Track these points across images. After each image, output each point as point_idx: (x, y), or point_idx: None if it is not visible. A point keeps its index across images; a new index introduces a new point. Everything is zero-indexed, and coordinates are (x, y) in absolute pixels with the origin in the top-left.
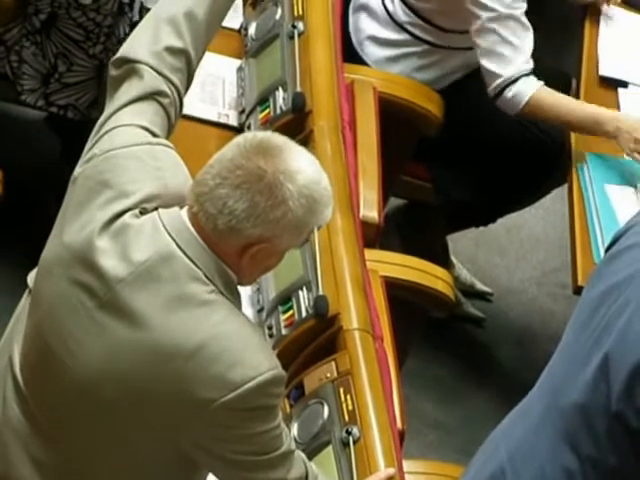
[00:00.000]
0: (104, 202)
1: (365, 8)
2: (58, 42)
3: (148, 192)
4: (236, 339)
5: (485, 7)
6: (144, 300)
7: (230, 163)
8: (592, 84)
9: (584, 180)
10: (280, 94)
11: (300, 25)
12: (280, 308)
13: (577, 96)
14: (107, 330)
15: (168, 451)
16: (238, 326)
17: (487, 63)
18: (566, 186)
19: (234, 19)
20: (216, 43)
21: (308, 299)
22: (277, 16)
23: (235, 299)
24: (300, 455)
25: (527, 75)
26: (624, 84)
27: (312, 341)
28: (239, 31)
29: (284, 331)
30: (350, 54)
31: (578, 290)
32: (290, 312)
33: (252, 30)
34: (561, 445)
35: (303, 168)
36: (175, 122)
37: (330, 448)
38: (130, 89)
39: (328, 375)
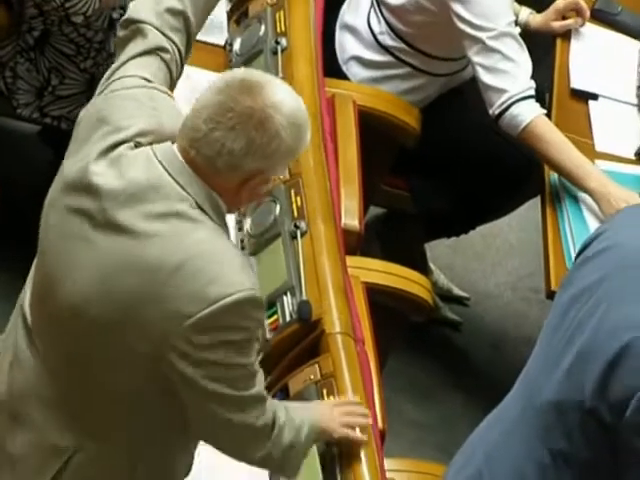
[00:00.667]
0: (101, 136)
1: (350, 29)
2: (51, 57)
3: (143, 127)
4: (218, 257)
5: (484, 28)
6: (135, 215)
7: (219, 107)
8: (564, 97)
9: (556, 189)
10: None
11: (283, 41)
12: (265, 313)
13: (550, 108)
14: (98, 247)
15: (154, 378)
16: (221, 246)
17: (492, 80)
18: (539, 196)
19: (219, 35)
20: (202, 58)
21: (292, 304)
22: (261, 32)
23: (223, 227)
24: (272, 406)
25: (533, 98)
26: (594, 96)
27: (296, 345)
28: (224, 47)
29: (269, 335)
30: (336, 71)
31: (551, 295)
32: (275, 317)
33: (237, 46)
34: (535, 442)
35: (285, 98)
36: (176, 81)
37: (314, 449)
38: (135, 46)
39: (312, 377)
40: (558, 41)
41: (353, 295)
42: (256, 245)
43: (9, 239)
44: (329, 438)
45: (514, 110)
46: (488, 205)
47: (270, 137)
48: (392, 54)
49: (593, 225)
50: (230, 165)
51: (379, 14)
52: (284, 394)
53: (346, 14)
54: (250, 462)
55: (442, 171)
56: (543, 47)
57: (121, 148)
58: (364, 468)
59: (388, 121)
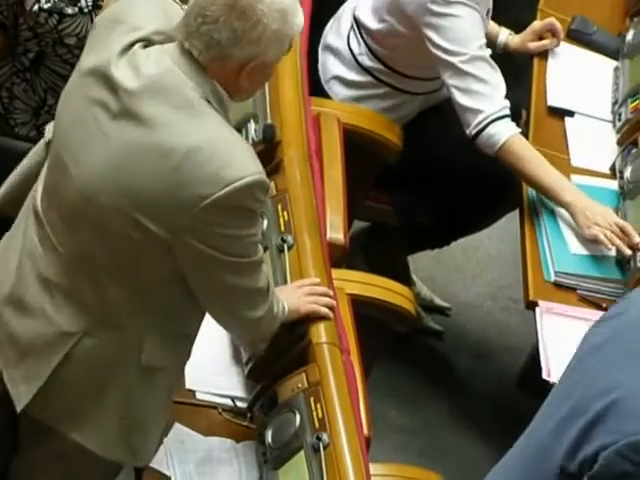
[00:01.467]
0: (118, 35)
1: (332, 50)
2: (47, 78)
3: (155, 28)
4: (228, 143)
5: (456, 53)
6: (151, 106)
7: (204, 1)
8: (541, 114)
9: (534, 203)
10: (252, 126)
11: None
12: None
13: (527, 125)
14: (114, 136)
15: (166, 263)
16: (228, 133)
17: (468, 101)
18: (518, 209)
19: None
20: None
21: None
22: None
23: (226, 114)
24: (265, 268)
25: (508, 117)
26: (570, 113)
27: (284, 354)
28: None
29: None
30: (319, 90)
31: (530, 304)
32: None
33: None
34: None
35: None
36: None
37: (302, 453)
38: None
39: (299, 386)
40: (535, 60)
41: (339, 306)
42: None
43: None
44: (296, 315)
45: (490, 130)
46: (469, 219)
47: (252, 24)
48: (371, 74)
49: (570, 238)
50: (221, 55)
51: (358, 36)
52: (272, 401)
53: (328, 35)
54: (249, 323)
55: (424, 186)
56: (522, 67)
57: (136, 46)
58: (350, 473)
59: (371, 138)
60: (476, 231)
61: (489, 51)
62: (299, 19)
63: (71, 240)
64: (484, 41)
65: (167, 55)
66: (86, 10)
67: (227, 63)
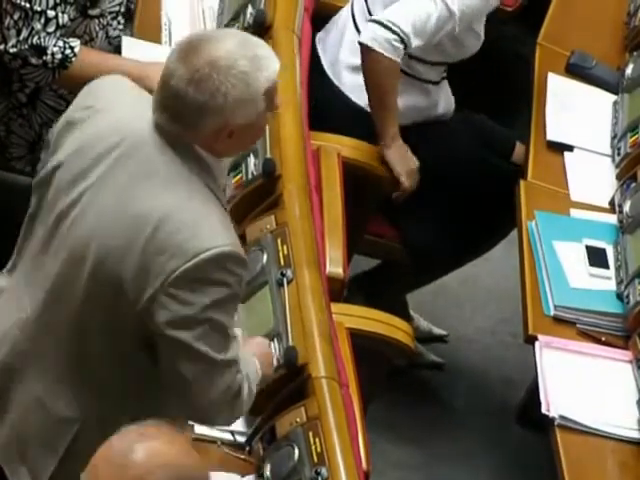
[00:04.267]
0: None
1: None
2: (42, 113)
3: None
4: (201, 214)
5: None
6: (124, 173)
7: (167, 76)
8: (540, 148)
9: (533, 237)
10: (251, 160)
11: None
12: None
13: (526, 159)
14: (97, 201)
15: (141, 334)
16: (205, 204)
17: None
18: (517, 241)
19: None
20: None
21: (279, 350)
22: None
23: (213, 183)
24: (240, 371)
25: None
26: (570, 148)
27: (283, 388)
28: None
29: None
30: (325, 84)
31: (529, 338)
32: None
33: None
34: None
35: (224, 52)
36: None
37: None
38: None
39: (298, 420)
40: (534, 94)
41: (338, 341)
42: (244, 293)
43: None
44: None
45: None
46: (471, 240)
47: (211, 94)
48: None
49: (569, 272)
50: (190, 125)
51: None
52: (271, 435)
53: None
54: (204, 414)
55: (426, 206)
56: (524, 99)
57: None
58: None
59: (370, 172)
60: (477, 256)
61: None
62: (267, 73)
63: (62, 318)
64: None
65: (152, 125)
66: (50, 66)
67: (199, 132)
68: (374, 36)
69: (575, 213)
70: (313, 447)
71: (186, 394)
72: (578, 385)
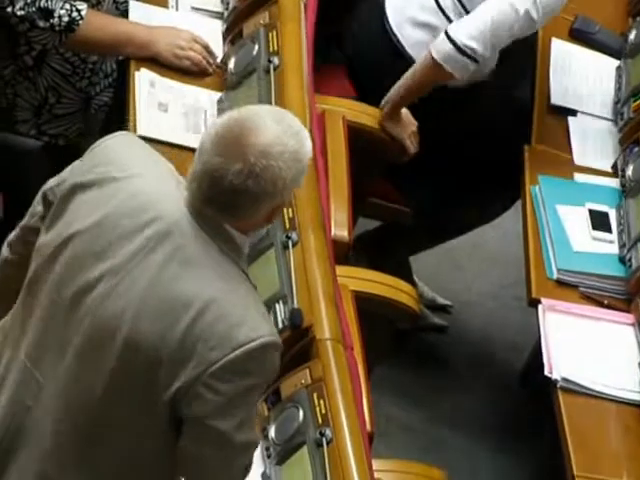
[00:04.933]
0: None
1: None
2: (49, 76)
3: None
4: (241, 301)
5: None
6: (158, 254)
7: (215, 172)
8: (544, 112)
9: (537, 201)
10: None
11: (275, 60)
12: None
13: (530, 124)
14: (128, 282)
15: (160, 421)
16: (244, 291)
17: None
18: (521, 207)
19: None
20: (198, 76)
21: (284, 312)
22: (254, 52)
23: (243, 262)
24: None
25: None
26: (573, 112)
27: (288, 350)
28: (219, 67)
29: None
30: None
31: (532, 302)
32: None
33: (231, 65)
34: None
35: (272, 136)
36: None
37: (305, 449)
38: None
39: (303, 381)
40: (538, 59)
41: (342, 303)
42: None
43: None
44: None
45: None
46: (480, 207)
47: (274, 182)
48: (445, 15)
49: (572, 235)
50: (246, 215)
51: None
52: (276, 397)
53: None
54: None
55: (437, 173)
56: (529, 61)
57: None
58: (353, 469)
59: (376, 135)
60: (476, 225)
61: None
62: (308, 143)
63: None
64: None
65: (184, 207)
66: (57, 29)
67: (252, 219)
68: (450, 59)
69: (578, 177)
70: (317, 409)
71: (201, 475)
72: (580, 348)
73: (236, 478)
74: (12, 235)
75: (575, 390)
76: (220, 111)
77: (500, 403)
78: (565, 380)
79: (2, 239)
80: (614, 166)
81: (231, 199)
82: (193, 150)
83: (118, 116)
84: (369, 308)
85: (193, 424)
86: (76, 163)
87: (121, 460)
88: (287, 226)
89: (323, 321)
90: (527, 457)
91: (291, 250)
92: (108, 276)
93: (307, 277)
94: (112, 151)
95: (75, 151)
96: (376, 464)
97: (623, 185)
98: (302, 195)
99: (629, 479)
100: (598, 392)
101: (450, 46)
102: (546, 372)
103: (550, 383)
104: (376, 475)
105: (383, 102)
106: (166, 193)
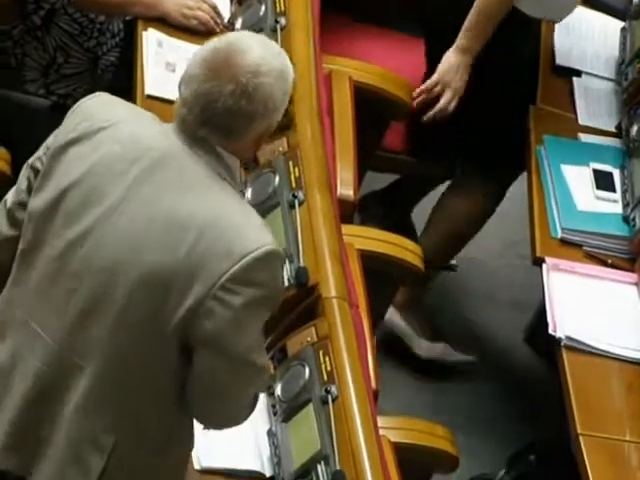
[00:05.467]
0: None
1: None
2: (57, 36)
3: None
4: (240, 216)
5: None
6: (150, 185)
7: (208, 95)
8: (549, 73)
9: (542, 161)
10: None
11: (282, 20)
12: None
13: (535, 84)
14: (124, 220)
15: (173, 346)
16: (241, 207)
17: None
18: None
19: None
20: (206, 36)
21: (290, 270)
22: (261, 12)
23: (236, 184)
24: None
25: None
26: (578, 73)
27: (294, 308)
28: (226, 26)
29: None
30: None
31: (537, 260)
32: None
33: (238, 25)
34: None
35: (258, 56)
36: None
37: (311, 406)
38: None
39: (309, 339)
40: (543, 21)
41: (348, 261)
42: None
43: None
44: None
45: None
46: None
47: (265, 101)
48: None
49: (577, 195)
50: (239, 137)
51: None
52: (282, 355)
53: None
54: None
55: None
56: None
57: None
58: (358, 426)
59: (382, 96)
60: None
61: None
62: (290, 66)
63: (94, 345)
64: None
65: (174, 136)
66: None
67: (243, 139)
68: None
69: (583, 137)
70: (323, 366)
71: (213, 398)
72: (584, 307)
73: (245, 404)
74: None
75: (579, 348)
76: None
77: (505, 361)
78: (569, 338)
79: None
80: (618, 126)
81: (225, 120)
82: None
83: (125, 76)
84: (374, 266)
85: (205, 345)
86: (59, 128)
87: (138, 395)
88: (293, 185)
89: (329, 279)
90: (531, 415)
91: (297, 209)
92: (106, 216)
93: (313, 236)
94: (92, 107)
95: None
96: (381, 421)
97: (627, 145)
98: (308, 154)
99: (632, 437)
100: (602, 351)
101: None
102: (550, 330)
103: (554, 342)
104: (381, 432)
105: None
106: (153, 130)
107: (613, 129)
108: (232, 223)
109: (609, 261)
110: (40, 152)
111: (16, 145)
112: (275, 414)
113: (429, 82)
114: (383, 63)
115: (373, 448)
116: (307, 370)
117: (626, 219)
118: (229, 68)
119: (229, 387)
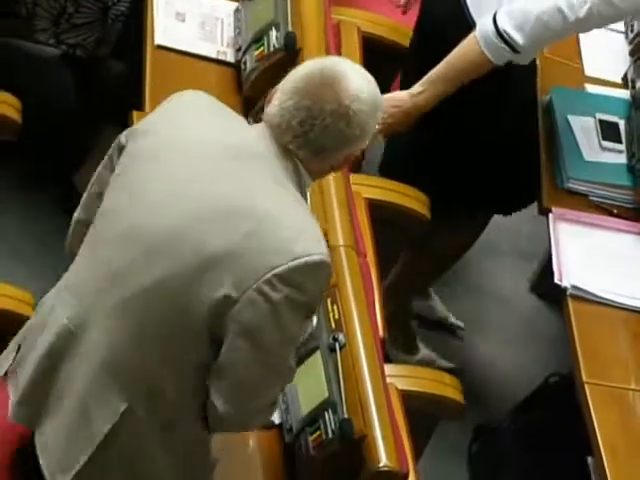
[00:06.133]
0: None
1: None
2: None
3: None
4: (305, 219)
5: None
6: (229, 167)
7: (308, 111)
8: None
9: (548, 111)
10: (273, 33)
11: None
12: None
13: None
14: (193, 194)
15: (202, 328)
16: (305, 213)
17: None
18: None
19: None
20: None
21: None
22: None
23: (304, 195)
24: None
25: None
26: None
27: None
28: None
29: None
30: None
31: (543, 211)
32: None
33: None
34: None
35: (360, 84)
36: None
37: (318, 353)
38: None
39: None
40: None
41: (356, 210)
42: None
43: (42, 159)
44: None
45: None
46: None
47: (361, 126)
48: None
49: (583, 145)
50: (327, 157)
51: None
52: None
53: None
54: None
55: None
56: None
57: None
58: (365, 373)
59: (389, 47)
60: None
61: None
62: (381, 97)
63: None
64: None
65: (264, 140)
66: None
67: (328, 162)
68: (488, 40)
69: (589, 88)
70: (331, 314)
71: (237, 390)
72: (590, 256)
73: (265, 404)
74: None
75: (585, 298)
76: (237, 21)
77: (511, 310)
78: (575, 288)
79: (22, 145)
80: (624, 78)
81: (320, 138)
82: (208, 59)
83: (135, 26)
84: (382, 215)
85: (239, 335)
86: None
87: (156, 367)
88: None
89: (337, 228)
90: (536, 363)
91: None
92: (172, 188)
93: (321, 182)
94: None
95: (94, 62)
96: (388, 369)
97: (633, 96)
98: None
99: (637, 385)
100: (607, 300)
101: (492, 28)
102: (556, 280)
103: (560, 291)
104: (388, 380)
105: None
106: (246, 131)
107: (619, 80)
108: (294, 224)
109: (614, 211)
110: (126, 131)
111: (26, 93)
112: None
113: None
114: (391, 15)
115: (380, 396)
116: (315, 318)
117: (631, 169)
118: (333, 90)
119: (254, 381)
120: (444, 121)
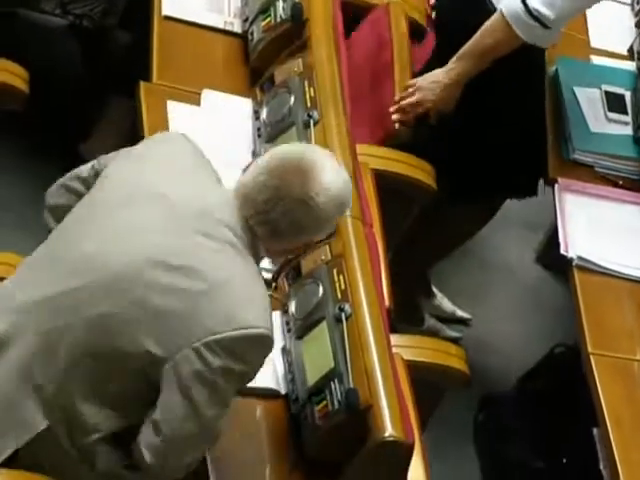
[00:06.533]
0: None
1: None
2: None
3: None
4: (256, 290)
5: None
6: (193, 231)
7: (276, 191)
8: None
9: (554, 82)
10: (280, 4)
11: None
12: None
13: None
14: (149, 242)
15: (144, 377)
16: (259, 286)
17: None
18: None
19: None
20: None
21: None
22: None
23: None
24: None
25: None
26: None
27: None
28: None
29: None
30: None
31: (548, 182)
32: None
33: None
34: None
35: (333, 180)
36: None
37: (324, 323)
38: None
39: (323, 257)
40: None
41: (362, 181)
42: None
43: (48, 130)
44: None
45: None
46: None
47: (319, 219)
48: None
49: (589, 116)
50: (280, 239)
51: None
52: (296, 273)
53: None
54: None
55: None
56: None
57: None
58: (371, 344)
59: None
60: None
61: None
62: (350, 198)
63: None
64: None
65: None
66: None
67: (281, 245)
68: (517, 19)
69: (595, 60)
70: (337, 284)
71: (167, 450)
72: (596, 227)
73: (185, 463)
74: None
75: (590, 269)
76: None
77: (517, 280)
78: (580, 258)
79: (28, 116)
80: (630, 49)
81: (279, 220)
82: (215, 30)
83: None
84: (389, 186)
85: (174, 390)
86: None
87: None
88: (308, 104)
89: None
90: (542, 334)
91: (312, 128)
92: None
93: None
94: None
95: (101, 32)
96: (394, 339)
97: (639, 68)
98: (323, 75)
99: None
100: (613, 271)
101: (522, 7)
102: (562, 250)
103: (566, 261)
104: (394, 350)
105: (454, 57)
106: (213, 190)
107: (625, 52)
108: (243, 294)
109: (620, 182)
110: (104, 157)
111: (32, 64)
112: (289, 331)
113: (409, 81)
114: None
115: (386, 366)
116: (321, 288)
117: (637, 141)
118: (305, 178)
119: (185, 438)
120: (467, 102)
